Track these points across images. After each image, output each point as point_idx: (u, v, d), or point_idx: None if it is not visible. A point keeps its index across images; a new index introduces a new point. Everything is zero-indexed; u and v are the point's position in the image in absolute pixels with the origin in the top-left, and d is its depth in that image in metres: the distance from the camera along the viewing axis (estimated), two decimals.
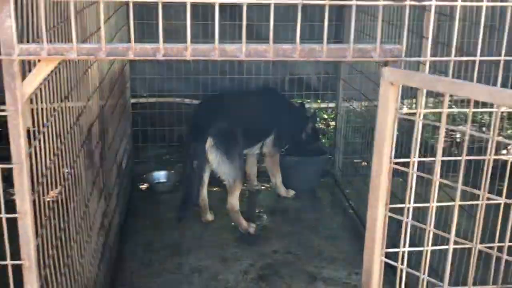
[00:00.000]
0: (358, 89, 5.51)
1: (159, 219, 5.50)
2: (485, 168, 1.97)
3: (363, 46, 2.04)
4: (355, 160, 6.08)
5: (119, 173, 5.06)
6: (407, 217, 2.14)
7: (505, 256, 1.96)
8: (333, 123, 7.15)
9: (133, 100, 6.43)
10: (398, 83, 1.98)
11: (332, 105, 6.87)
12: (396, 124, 2.06)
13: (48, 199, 2.54)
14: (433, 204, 2.07)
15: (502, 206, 2.15)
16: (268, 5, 1.90)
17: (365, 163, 5.84)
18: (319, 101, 7.15)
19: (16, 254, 2.02)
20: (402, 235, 2.17)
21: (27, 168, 2.05)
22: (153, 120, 6.61)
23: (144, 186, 6.19)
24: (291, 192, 6.09)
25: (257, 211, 5.83)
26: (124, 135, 5.67)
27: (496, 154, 2.00)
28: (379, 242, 2.24)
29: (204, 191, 5.46)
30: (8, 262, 2.11)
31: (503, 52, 2.20)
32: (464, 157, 1.93)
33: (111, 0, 4.16)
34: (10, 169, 1.98)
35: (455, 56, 2.21)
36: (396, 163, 2.09)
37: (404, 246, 2.21)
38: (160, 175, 6.31)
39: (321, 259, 4.85)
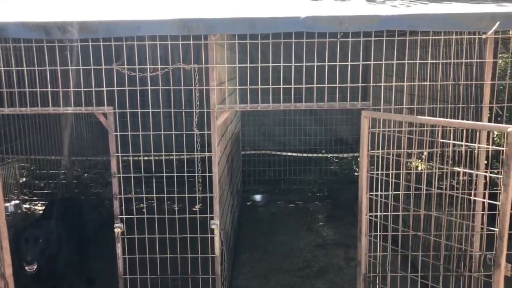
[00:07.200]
0: None
1: (256, 215, 7.16)
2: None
3: (354, 102, 3.70)
4: None
5: (238, 190, 6.76)
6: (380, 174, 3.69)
7: None
8: None
9: (242, 152, 8.20)
10: (368, 116, 3.60)
11: None
12: (369, 136, 3.66)
13: None
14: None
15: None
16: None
17: None
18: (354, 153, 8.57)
19: None
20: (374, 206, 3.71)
21: (217, 156, 3.80)
22: (253, 164, 8.34)
23: (249, 203, 7.84)
24: None
25: None
26: (239, 172, 7.41)
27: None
28: (366, 206, 3.72)
29: None
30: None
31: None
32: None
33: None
34: None
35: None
36: (371, 155, 3.68)
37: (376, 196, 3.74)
38: (258, 197, 7.96)
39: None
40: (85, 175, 7.58)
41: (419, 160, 4.53)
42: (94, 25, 3.46)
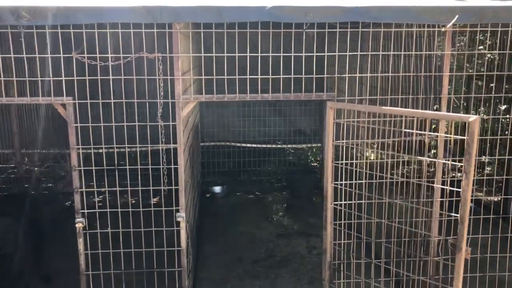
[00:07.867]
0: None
1: (216, 207, 7.13)
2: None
3: (319, 93, 3.73)
4: None
5: (198, 181, 6.69)
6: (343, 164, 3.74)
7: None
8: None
9: (201, 144, 8.11)
10: (333, 107, 3.64)
11: (319, 144, 8.43)
12: (334, 126, 3.70)
13: None
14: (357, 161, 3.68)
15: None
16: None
17: None
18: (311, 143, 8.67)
19: None
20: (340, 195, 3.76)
21: (183, 148, 3.72)
22: (212, 156, 8.27)
23: (208, 195, 7.78)
24: None
25: None
26: (199, 163, 7.32)
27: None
28: (331, 195, 3.78)
29: None
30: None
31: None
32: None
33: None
34: None
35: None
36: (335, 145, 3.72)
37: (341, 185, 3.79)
38: (217, 189, 7.92)
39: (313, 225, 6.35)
40: (36, 169, 7.24)
41: (378, 150, 4.64)
42: (52, 11, 3.29)
